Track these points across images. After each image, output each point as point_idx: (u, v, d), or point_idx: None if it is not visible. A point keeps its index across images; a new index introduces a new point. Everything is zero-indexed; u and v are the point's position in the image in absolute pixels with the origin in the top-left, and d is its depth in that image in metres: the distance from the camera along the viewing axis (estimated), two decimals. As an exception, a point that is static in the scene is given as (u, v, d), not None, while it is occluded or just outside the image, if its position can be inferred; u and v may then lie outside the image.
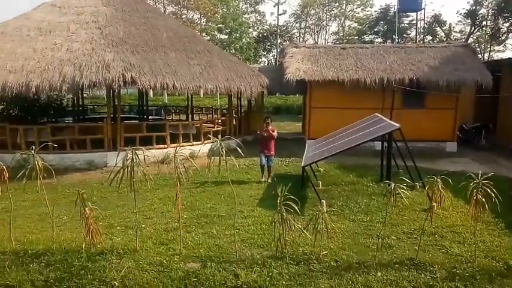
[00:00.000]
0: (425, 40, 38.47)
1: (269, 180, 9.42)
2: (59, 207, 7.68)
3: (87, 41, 11.69)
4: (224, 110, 20.77)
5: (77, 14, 12.88)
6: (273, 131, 9.44)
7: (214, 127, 14.25)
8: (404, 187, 5.30)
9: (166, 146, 11.61)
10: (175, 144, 8.24)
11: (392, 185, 5.34)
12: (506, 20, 33.43)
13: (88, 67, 10.80)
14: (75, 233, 6.39)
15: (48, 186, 8.83)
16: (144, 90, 11.93)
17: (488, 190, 5.11)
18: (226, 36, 39.58)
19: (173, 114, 23.14)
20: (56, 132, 11.65)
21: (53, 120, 16.80)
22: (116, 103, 14.24)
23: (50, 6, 13.44)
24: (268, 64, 47.36)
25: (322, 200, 7.76)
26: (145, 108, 19.22)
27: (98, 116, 18.77)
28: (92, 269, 5.22)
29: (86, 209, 5.53)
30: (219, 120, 16.12)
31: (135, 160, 5.47)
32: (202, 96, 39.46)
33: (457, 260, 5.55)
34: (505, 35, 35.34)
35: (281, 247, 5.55)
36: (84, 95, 21.99)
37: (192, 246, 5.93)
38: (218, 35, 40.40)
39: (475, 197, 5.20)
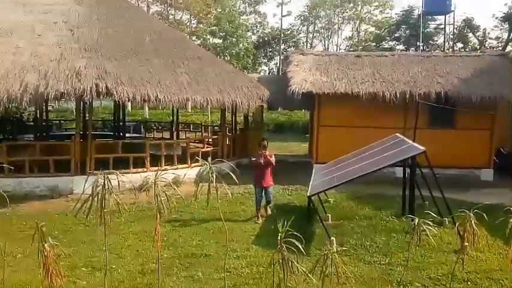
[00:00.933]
0: (455, 48, 39.12)
1: (268, 212, 9.38)
2: (13, 242, 7.58)
3: (55, 45, 11.84)
4: (216, 128, 20.87)
5: (44, 12, 13.09)
6: (271, 157, 9.28)
7: (203, 147, 14.29)
8: (430, 223, 5.30)
9: (145, 169, 11.59)
10: (157, 168, 8.23)
11: (416, 220, 5.32)
12: (551, 25, 34.03)
13: (55, 75, 10.90)
14: (30, 275, 6.29)
15: (1, 217, 8.76)
16: (121, 102, 12.03)
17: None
18: (221, 41, 40.21)
19: (155, 132, 23.26)
20: (14, 152, 11.63)
21: (11, 137, 16.82)
22: (87, 118, 14.32)
23: (13, 3, 13.63)
24: (269, 73, 47.97)
25: (332, 237, 7.65)
26: (121, 124, 19.29)
27: (64, 133, 18.83)
28: (50, 319, 5.12)
29: (46, 245, 5.47)
30: (210, 140, 16.17)
31: (107, 186, 5.45)
32: (190, 110, 39.53)
33: (494, 312, 5.49)
34: (550, 43, 35.86)
35: (281, 295, 5.47)
36: (49, 108, 22.10)
37: (173, 293, 5.85)
38: (211, 39, 41.04)
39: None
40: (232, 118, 17.67)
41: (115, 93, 10.97)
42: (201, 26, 41.24)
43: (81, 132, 13.04)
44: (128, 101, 11.53)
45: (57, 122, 23.18)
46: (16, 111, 17.47)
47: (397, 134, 10.19)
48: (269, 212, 9.44)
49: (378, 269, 6.73)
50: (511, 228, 5.18)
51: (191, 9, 39.70)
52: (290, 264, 5.37)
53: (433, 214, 5.71)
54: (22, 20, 12.75)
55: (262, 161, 9.17)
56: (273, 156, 9.40)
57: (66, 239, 7.83)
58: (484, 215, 5.46)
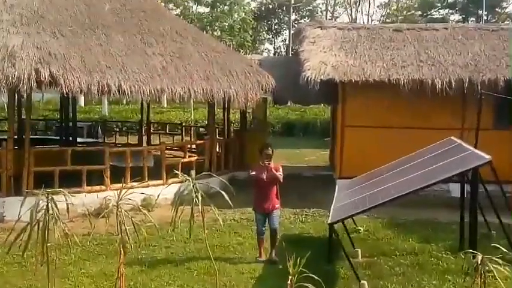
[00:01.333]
0: (532, 18, 39.13)
1: (274, 257, 8.86)
2: None
3: (-23, 16, 11.89)
4: (202, 129, 20.90)
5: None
6: (277, 170, 8.92)
7: (184, 157, 14.29)
8: (499, 260, 5.29)
9: (104, 187, 11.58)
10: (120, 185, 8.19)
11: (480, 257, 5.31)
12: None
13: (-21, 57, 10.94)
14: None
15: None
16: (70, 95, 12.01)
17: None
18: (208, 9, 40.29)
19: (117, 135, 23.26)
20: None
21: None
22: (24, 116, 14.31)
23: None
24: (275, 54, 48.09)
25: (363, 281, 7.68)
26: (71, 124, 19.30)
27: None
28: None
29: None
30: (193, 146, 16.17)
31: (51, 211, 5.46)
32: (166, 105, 39.82)
33: None
34: None
35: None
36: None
37: None
38: (195, 7, 41.16)
39: None
40: (224, 116, 17.71)
41: (62, 82, 10.96)
42: (181, -12, 41.31)
43: (16, 137, 13.01)
44: (80, 93, 11.54)
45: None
46: None
47: (452, 138, 10.17)
48: (274, 253, 9.02)
49: (426, 325, 6.72)
50: None
51: (167, -34, 39.78)
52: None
53: (502, 248, 5.67)
54: None
55: (265, 176, 8.84)
56: (281, 168, 9.07)
57: (-6, 284, 7.82)
58: None
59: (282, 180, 8.98)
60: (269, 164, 8.90)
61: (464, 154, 8.83)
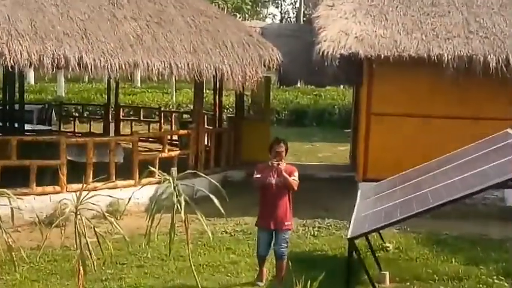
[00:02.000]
0: None
1: (281, 274, 8.78)
2: None
3: None
4: (186, 116, 20.85)
5: None
6: (291, 174, 8.58)
7: (163, 151, 14.33)
8: None
9: (59, 188, 11.62)
10: (80, 186, 8.17)
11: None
12: None
13: None
14: None
15: None
16: (16, 69, 11.99)
17: None
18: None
19: (77, 122, 23.29)
20: None
21: None
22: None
23: None
24: (282, 21, 48.12)
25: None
26: (17, 107, 19.27)
27: None
28: None
29: None
30: (175, 137, 16.17)
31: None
32: (139, 85, 39.62)
33: None
34: None
35: None
36: None
37: None
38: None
39: None
40: (215, 100, 17.71)
41: (7, 52, 10.98)
42: None
43: None
44: (30, 66, 11.59)
45: None
46: None
47: (510, 130, 10.20)
48: (280, 284, 8.82)
49: None
50: None
51: None
52: None
53: None
54: None
55: (274, 181, 8.47)
56: (296, 172, 8.71)
57: None
58: None
59: (296, 188, 8.63)
60: (280, 164, 8.47)
61: (524, 152, 8.85)
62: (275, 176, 8.45)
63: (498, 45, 13.66)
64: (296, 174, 8.65)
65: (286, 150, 8.71)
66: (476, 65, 13.32)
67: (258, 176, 8.60)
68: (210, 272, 9.35)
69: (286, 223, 8.57)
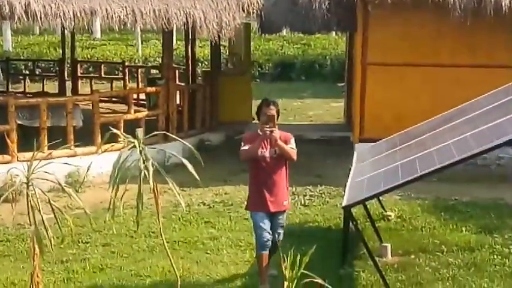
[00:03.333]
0: None
1: (272, 272, 8.10)
2: None
3: None
4: (154, 72, 20.78)
5: None
6: (287, 142, 7.93)
7: (129, 112, 14.28)
8: None
9: (9, 157, 11.60)
10: (31, 153, 8.10)
11: None
12: None
13: None
14: None
15: None
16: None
17: None
18: None
19: (27, 80, 23.17)
20: None
21: None
22: None
23: None
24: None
25: (394, 290, 7.81)
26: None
27: None
28: None
29: None
30: (142, 96, 16.12)
31: None
32: (99, 36, 39.32)
33: None
34: None
35: None
36: None
37: None
38: None
39: None
40: (186, 51, 17.64)
41: None
42: None
43: None
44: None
45: None
46: None
47: (525, 80, 10.26)
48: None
49: None
50: None
51: None
52: None
53: None
54: None
55: (267, 153, 7.84)
56: (292, 139, 8.07)
57: None
58: None
59: (295, 158, 8.03)
60: (273, 132, 7.65)
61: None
62: (268, 146, 7.77)
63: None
64: (293, 141, 8.01)
65: (278, 113, 7.95)
66: (487, 4, 13.29)
67: (246, 147, 7.83)
68: (187, 249, 9.39)
69: (284, 203, 8.04)
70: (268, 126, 7.58)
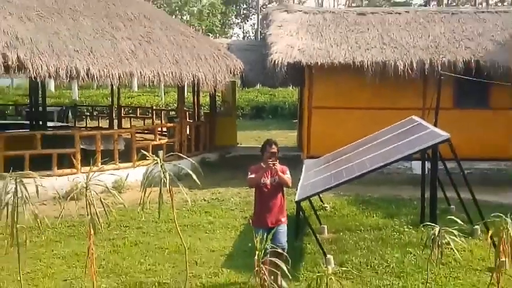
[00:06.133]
0: (490, 2, 39.68)
1: (283, 285, 6.79)
2: None
3: None
4: (172, 113, 20.78)
5: None
6: (284, 172, 7.06)
7: (155, 139, 14.23)
8: (457, 233, 5.41)
9: (75, 170, 11.48)
10: (90, 168, 8.17)
11: (437, 230, 5.43)
12: None
13: None
14: None
15: None
16: (39, 80, 11.82)
17: None
18: (177, -6, 39.95)
19: (88, 119, 23.03)
20: None
21: None
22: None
23: None
24: (244, 38, 47.88)
25: (329, 256, 7.81)
26: (41, 109, 18.98)
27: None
28: None
29: None
30: (164, 129, 16.12)
31: (21, 194, 5.40)
32: (136, 89, 39.56)
33: None
34: None
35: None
36: None
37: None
38: (163, -8, 40.73)
39: None
40: (193, 99, 17.62)
41: (30, 67, 10.80)
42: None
43: (-15, 122, 12.81)
44: (50, 77, 11.40)
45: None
46: None
47: (414, 117, 10.32)
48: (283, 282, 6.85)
49: (389, 296, 6.87)
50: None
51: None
52: (272, 291, 5.43)
53: (460, 221, 5.81)
54: None
55: (268, 181, 7.01)
56: (288, 171, 7.18)
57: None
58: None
59: (290, 185, 7.19)
60: (275, 165, 6.94)
61: (425, 132, 8.99)
62: (269, 176, 6.98)
63: (404, 53, 13.78)
64: (288, 172, 7.16)
65: (278, 150, 7.15)
66: (389, 69, 13.45)
67: (252, 176, 7.00)
68: (193, 230, 9.41)
69: (282, 219, 7.05)
70: (272, 160, 6.90)
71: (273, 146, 7.02)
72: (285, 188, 7.08)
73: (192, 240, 8.74)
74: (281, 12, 15.92)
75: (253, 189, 7.10)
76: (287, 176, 6.99)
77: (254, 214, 7.25)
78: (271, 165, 6.82)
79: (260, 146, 7.34)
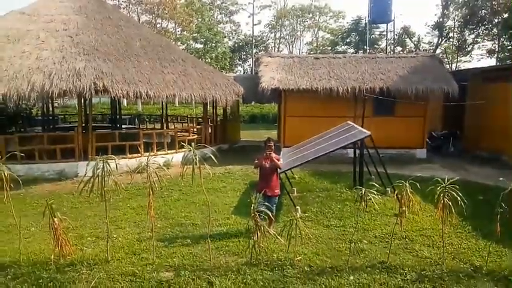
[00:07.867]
0: (395, 51, 39.73)
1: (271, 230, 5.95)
2: (27, 218, 7.42)
3: (57, 49, 11.43)
4: (199, 119, 20.67)
5: (47, 22, 12.57)
6: (279, 160, 6.86)
7: (189, 135, 14.15)
8: (375, 192, 5.44)
9: (139, 154, 11.45)
10: (149, 153, 8.16)
11: (364, 191, 5.47)
12: (472, 31, 34.96)
13: (58, 75, 10.56)
14: (43, 245, 6.19)
15: (16, 197, 8.54)
16: (116, 98, 11.79)
17: (454, 194, 5.32)
18: (202, 46, 39.68)
19: (147, 123, 22.87)
20: (24, 142, 11.25)
21: (22, 130, 16.26)
22: (88, 112, 13.98)
23: (19, 14, 13.05)
24: (244, 73, 47.66)
25: (297, 207, 7.85)
26: (118, 117, 18.89)
27: (68, 126, 18.31)
28: (61, 280, 5.07)
29: (55, 219, 5.39)
30: (194, 129, 16.04)
31: (106, 169, 5.39)
32: (177, 105, 39.46)
33: (426, 262, 5.73)
34: (471, 46, 36.89)
35: (255, 254, 5.57)
36: (55, 104, 21.45)
37: (166, 256, 5.86)
38: (193, 44, 40.41)
39: (442, 201, 5.40)
40: (213, 111, 17.47)
41: (111, 90, 10.73)
42: (185, 33, 40.70)
43: (83, 125, 12.69)
44: (123, 97, 11.33)
45: (62, 116, 22.49)
46: (26, 107, 16.90)
47: (348, 122, 10.37)
48: (272, 221, 6.62)
49: (334, 231, 6.92)
50: (438, 195, 5.42)
51: (176, 18, 39.24)
52: (262, 229, 5.48)
53: (377, 185, 5.87)
54: (28, 29, 12.25)
55: (267, 164, 6.75)
56: (281, 159, 7.01)
57: (73, 214, 7.71)
58: (418, 185, 5.69)
59: (281, 168, 6.94)
60: (270, 154, 6.78)
61: (355, 131, 9.03)
62: (267, 161, 6.74)
63: (343, 82, 13.72)
64: (281, 159, 7.08)
65: (274, 144, 6.98)
66: (333, 92, 13.39)
67: (257, 161, 6.82)
68: (213, 192, 9.38)
69: (276, 190, 6.80)
70: (269, 151, 6.76)
71: (271, 142, 6.89)
72: (278, 170, 6.87)
73: (213, 198, 8.76)
74: (266, 57, 15.80)
75: (258, 169, 6.92)
76: (280, 162, 6.84)
77: (258, 185, 6.95)
78: (269, 154, 6.72)
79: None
